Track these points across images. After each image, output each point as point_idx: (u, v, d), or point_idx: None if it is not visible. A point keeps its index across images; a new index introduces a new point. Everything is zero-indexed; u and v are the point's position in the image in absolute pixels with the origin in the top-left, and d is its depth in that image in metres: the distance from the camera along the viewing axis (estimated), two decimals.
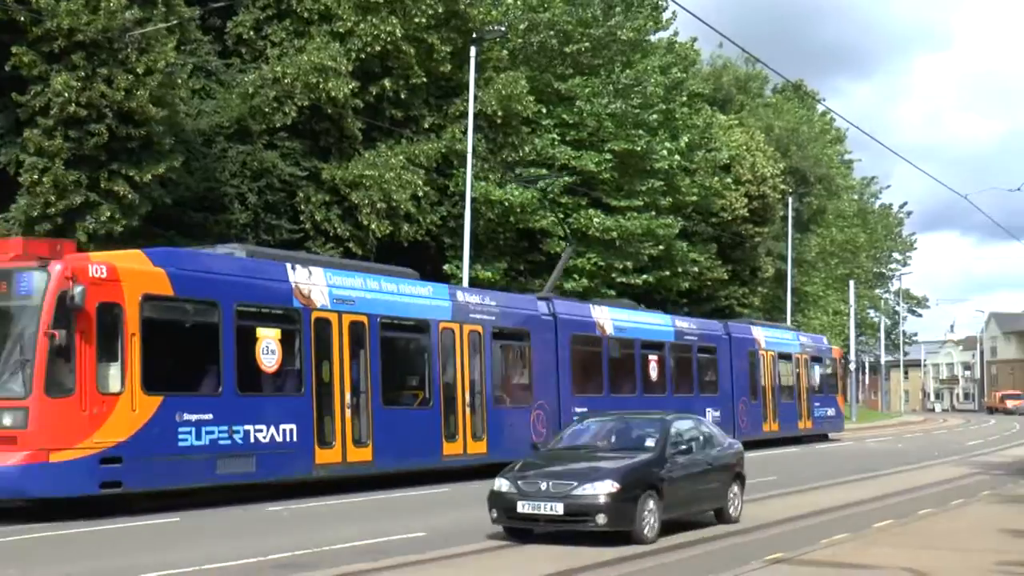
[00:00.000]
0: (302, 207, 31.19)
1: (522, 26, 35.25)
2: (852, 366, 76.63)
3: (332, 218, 31.20)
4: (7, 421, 14.94)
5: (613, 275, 35.37)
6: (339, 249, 31.55)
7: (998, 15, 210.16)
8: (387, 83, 31.44)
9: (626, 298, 33.90)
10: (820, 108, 69.54)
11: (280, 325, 18.64)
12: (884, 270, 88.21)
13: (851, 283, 70.21)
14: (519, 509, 13.02)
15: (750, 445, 30.16)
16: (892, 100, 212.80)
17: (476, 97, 31.80)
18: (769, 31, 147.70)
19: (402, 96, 31.95)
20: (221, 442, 17.13)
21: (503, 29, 33.20)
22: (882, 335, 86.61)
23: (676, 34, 43.49)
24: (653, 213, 36.42)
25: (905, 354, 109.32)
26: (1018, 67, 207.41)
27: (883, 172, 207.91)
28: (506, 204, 33.03)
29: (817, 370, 41.31)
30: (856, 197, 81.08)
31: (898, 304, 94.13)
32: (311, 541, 12.96)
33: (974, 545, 13.37)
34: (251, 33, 31.27)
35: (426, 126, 33.13)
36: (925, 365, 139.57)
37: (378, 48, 30.69)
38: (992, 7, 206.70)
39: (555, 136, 35.07)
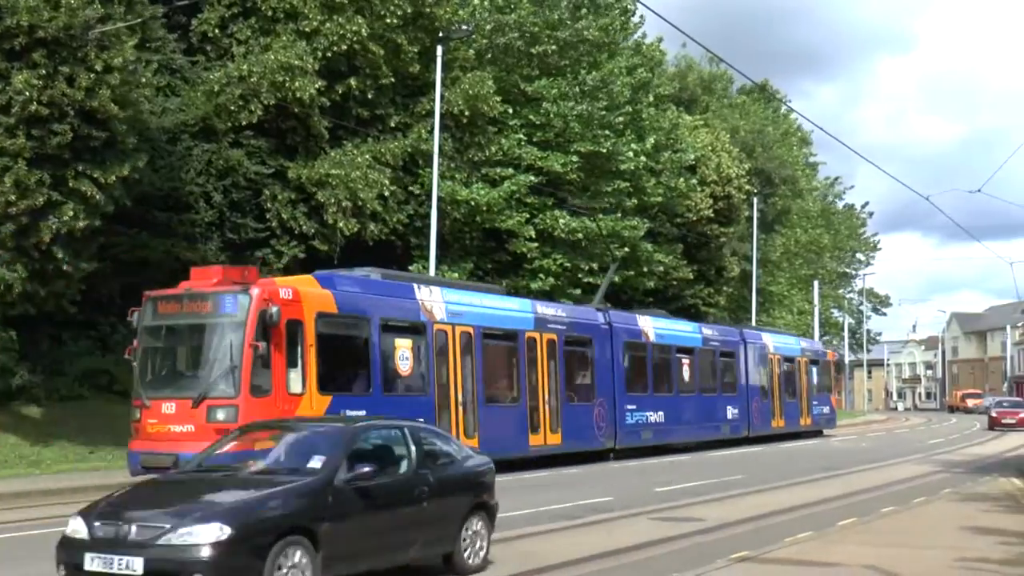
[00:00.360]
0: (268, 205, 31.06)
1: (488, 27, 35.27)
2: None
3: (298, 216, 31.09)
4: (221, 416, 17.90)
5: (579, 275, 35.44)
6: (304, 248, 31.48)
7: (960, 18, 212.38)
8: (353, 82, 31.37)
9: (592, 296, 35.37)
10: (785, 109, 70.04)
11: (411, 336, 22.01)
12: (848, 270, 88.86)
13: (815, 283, 70.71)
14: (86, 566, 9.01)
15: (759, 440, 37.83)
16: (856, 102, 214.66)
17: (442, 97, 31.78)
18: (733, 33, 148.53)
19: (369, 95, 31.88)
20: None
21: (470, 29, 33.20)
22: (846, 335, 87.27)
23: (644, 36, 43.67)
24: (619, 214, 36.50)
25: (868, 352, 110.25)
26: (979, 70, 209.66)
27: (847, 173, 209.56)
28: (472, 204, 33.02)
29: (815, 372, 45.14)
30: (820, 198, 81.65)
31: (862, 304, 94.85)
32: None
33: (935, 542, 13.53)
34: (216, 31, 31.09)
35: (392, 125, 33.08)
36: (888, 365, 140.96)
37: (344, 47, 30.60)
38: (954, 11, 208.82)
39: (521, 136, 35.09)
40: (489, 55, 35.91)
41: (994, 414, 59.10)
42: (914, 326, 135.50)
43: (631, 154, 36.64)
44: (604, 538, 13.76)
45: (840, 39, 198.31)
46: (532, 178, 34.28)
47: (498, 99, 33.99)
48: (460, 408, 22.95)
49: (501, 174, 34.16)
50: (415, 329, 22.27)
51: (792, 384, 42.57)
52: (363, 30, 30.49)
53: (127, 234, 27.64)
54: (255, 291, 18.69)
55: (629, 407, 29.97)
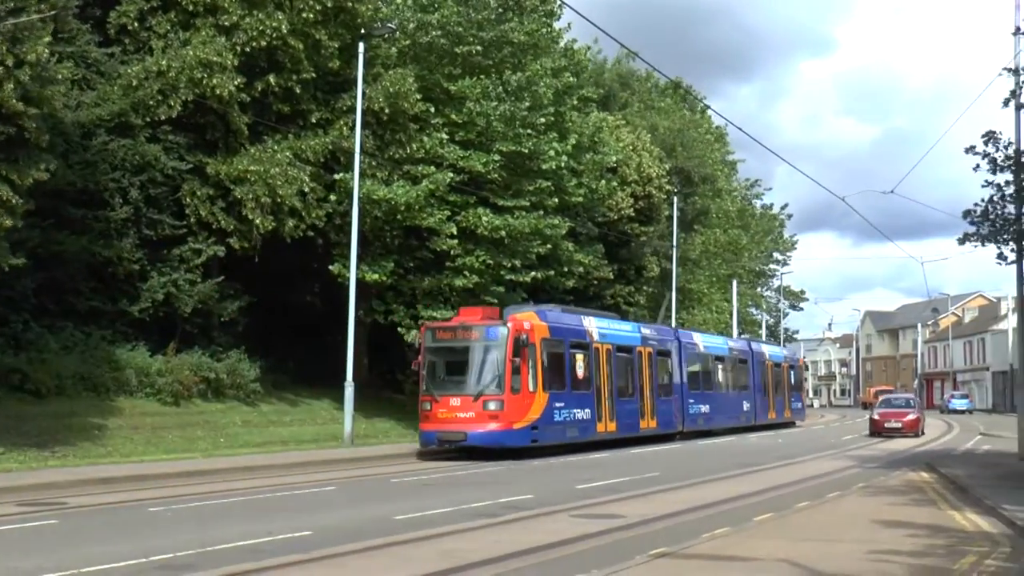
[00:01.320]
0: (186, 201, 30.69)
1: (412, 25, 35.12)
2: None
3: (216, 212, 30.74)
4: (492, 407, 27.87)
5: (502, 272, 35.46)
6: (223, 245, 31.13)
7: (878, 23, 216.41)
8: (273, 79, 31.10)
9: (515, 293, 37.28)
10: (703, 108, 70.61)
11: (583, 352, 31.97)
12: (765, 268, 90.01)
13: (734, 282, 71.57)
14: None
15: (759, 428, 49.09)
16: (774, 103, 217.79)
17: (364, 94, 31.61)
18: (653, 33, 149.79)
19: (294, 90, 31.63)
20: (568, 419, 30.62)
21: (392, 26, 33.05)
22: (763, 333, 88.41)
23: (574, 41, 43.78)
24: (541, 213, 36.56)
25: (783, 347, 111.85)
26: (895, 73, 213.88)
27: (765, 173, 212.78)
28: (392, 202, 32.87)
29: (792, 374, 57.56)
30: (739, 198, 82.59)
31: (779, 302, 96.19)
32: (195, 541, 12.76)
33: (848, 536, 13.81)
34: (135, 24, 30.64)
35: (313, 121, 32.85)
36: (804, 362, 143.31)
37: (264, 43, 30.33)
38: (873, 15, 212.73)
39: (443, 135, 34.99)
40: (412, 53, 35.75)
41: (876, 416, 44.98)
42: (830, 324, 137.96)
43: (553, 154, 36.70)
44: (523, 535, 13.81)
45: (760, 40, 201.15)
46: (452, 175, 34.19)
47: (419, 97, 33.90)
48: (606, 400, 33.19)
49: (422, 172, 34.03)
50: (584, 347, 32.16)
51: (780, 384, 54.09)
52: (283, 25, 30.25)
53: (40, 227, 27.08)
54: (510, 325, 28.63)
55: (690, 401, 41.21)
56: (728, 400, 46.17)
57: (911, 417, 44.49)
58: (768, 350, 54.19)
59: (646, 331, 38.39)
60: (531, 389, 28.69)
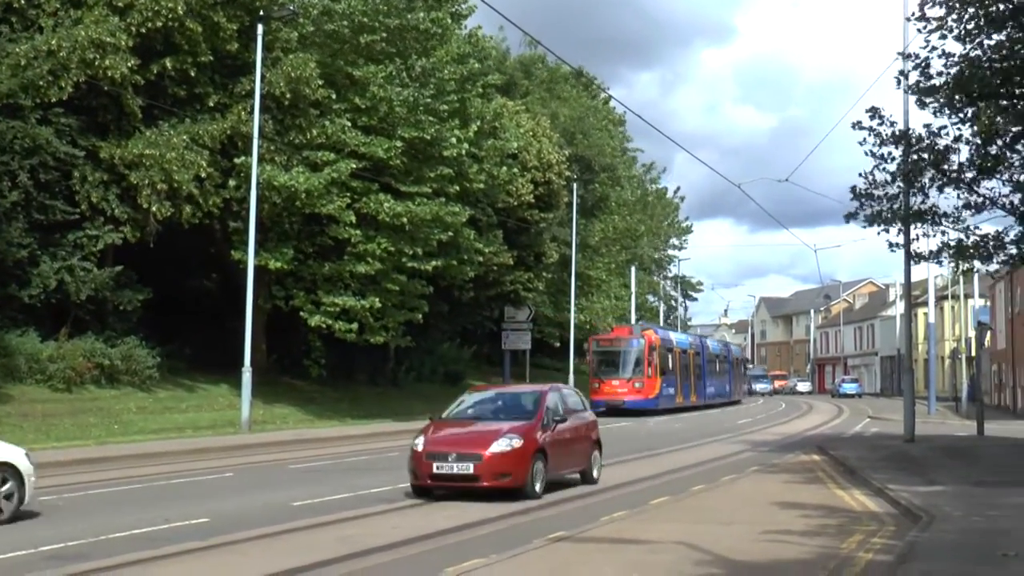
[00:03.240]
0: (76, 188, 30.00)
1: (316, 11, 34.66)
2: None
3: (110, 198, 30.13)
4: (638, 385, 48.94)
5: (403, 259, 35.32)
6: (119, 233, 30.53)
7: (776, 12, 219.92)
8: (169, 62, 30.54)
9: (416, 280, 37.01)
10: (604, 97, 71.09)
11: (670, 354, 53.37)
12: (663, 254, 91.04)
13: (632, 269, 72.31)
14: None
15: (727, 403, 66.92)
16: (674, 90, 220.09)
17: (263, 78, 31.22)
18: (554, 19, 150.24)
19: (187, 74, 31.09)
20: (667, 394, 51.82)
21: (291, 9, 32.61)
22: (661, 319, 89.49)
23: (479, 28, 43.70)
24: (443, 200, 36.47)
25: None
26: (792, 63, 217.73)
27: (665, 160, 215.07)
28: (292, 189, 32.51)
29: (742, 366, 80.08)
30: (638, 185, 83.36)
31: (675, 288, 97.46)
32: (88, 530, 12.54)
33: (742, 517, 14.11)
34: (22, 1, 29.75)
35: (211, 105, 32.34)
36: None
37: (160, 24, 29.76)
38: (771, 5, 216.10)
39: (345, 121, 34.65)
40: (315, 40, 35.27)
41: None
42: (725, 310, 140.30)
43: (454, 140, 36.61)
44: (423, 520, 13.85)
45: (661, 27, 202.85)
46: (354, 164, 33.91)
47: (321, 82, 33.54)
48: (679, 383, 54.73)
49: (323, 158, 33.70)
50: (671, 351, 53.95)
51: (738, 372, 75.19)
52: (179, 7, 29.74)
53: None
54: (644, 337, 50.19)
55: (708, 384, 62.81)
56: (722, 383, 67.89)
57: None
58: (732, 346, 79.74)
59: (691, 338, 64.33)
60: (655, 376, 50.35)
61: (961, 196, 25.69)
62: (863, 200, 26.66)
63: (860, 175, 26.58)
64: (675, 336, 58.87)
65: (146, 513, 14.10)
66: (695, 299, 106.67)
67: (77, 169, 29.92)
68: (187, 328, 36.86)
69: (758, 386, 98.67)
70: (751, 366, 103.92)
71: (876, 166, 26.22)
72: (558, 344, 62.83)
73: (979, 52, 23.32)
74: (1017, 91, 22.98)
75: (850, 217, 27.20)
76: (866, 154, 26.15)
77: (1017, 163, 24.55)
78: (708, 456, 25.82)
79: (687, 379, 56.66)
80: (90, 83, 29.07)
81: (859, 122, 26.03)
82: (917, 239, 29.15)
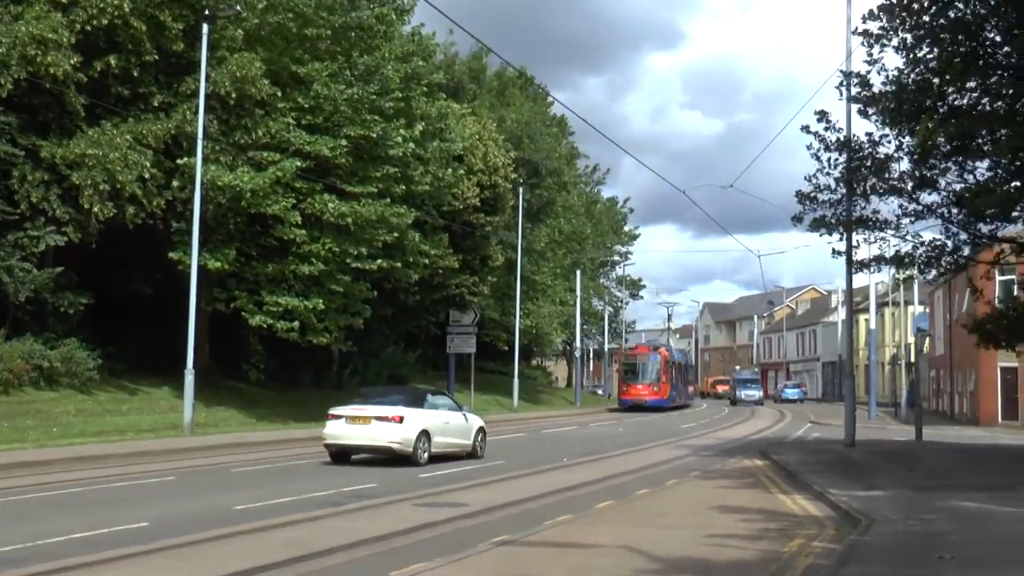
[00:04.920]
0: (17, 187, 29.56)
1: (260, 6, 34.38)
2: (577, 353, 79.32)
3: (51, 199, 29.72)
4: (656, 389, 66.39)
5: (348, 260, 35.13)
6: (60, 234, 30.12)
7: (724, 18, 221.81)
8: (113, 60, 30.18)
9: (360, 283, 36.78)
10: (550, 101, 71.19)
11: (674, 365, 71.71)
12: (608, 259, 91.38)
13: (578, 272, 72.53)
14: None
15: (681, 407, 73.53)
16: (622, 94, 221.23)
17: (208, 77, 30.95)
18: (502, 21, 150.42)
19: (132, 73, 30.73)
20: (674, 395, 71.10)
21: (236, 8, 32.35)
22: (605, 323, 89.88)
23: (422, 25, 43.49)
24: (388, 200, 36.32)
25: (626, 341, 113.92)
26: (740, 69, 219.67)
27: (612, 164, 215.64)
28: (237, 189, 32.23)
29: (689, 371, 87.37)
30: (584, 189, 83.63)
31: (620, 290, 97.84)
32: (26, 535, 12.36)
33: (686, 521, 14.23)
34: None
35: (155, 104, 32.00)
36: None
37: (104, 21, 29.40)
38: (719, 10, 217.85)
39: (290, 120, 34.42)
40: (259, 36, 35.01)
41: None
42: (669, 315, 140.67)
43: (400, 140, 36.48)
44: (368, 524, 13.82)
45: (609, 31, 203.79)
46: (299, 163, 33.68)
47: (266, 81, 33.28)
48: (675, 388, 69.85)
49: (268, 158, 33.45)
50: (674, 363, 71.09)
51: (686, 378, 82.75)
52: (124, 4, 29.40)
53: None
54: (661, 352, 69.37)
55: (682, 387, 75.22)
56: (684, 388, 78.79)
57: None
58: (680, 352, 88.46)
59: (677, 351, 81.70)
60: (669, 383, 67.25)
61: (902, 205, 26.11)
62: (807, 204, 27.04)
63: (806, 178, 26.98)
64: (674, 350, 79.42)
65: (86, 517, 13.93)
66: (641, 297, 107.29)
67: (17, 168, 29.47)
68: (129, 329, 36.43)
69: (744, 393, 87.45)
70: (737, 368, 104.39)
71: (820, 170, 26.60)
72: (505, 348, 62.89)
73: (918, 67, 23.67)
74: (952, 105, 23.32)
75: (796, 220, 27.60)
76: (812, 157, 26.53)
77: (954, 173, 24.96)
78: (652, 460, 25.99)
79: (679, 384, 73.40)
80: (31, 80, 28.65)
81: (807, 126, 26.36)
82: (859, 245, 29.62)
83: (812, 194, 26.96)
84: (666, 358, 68.35)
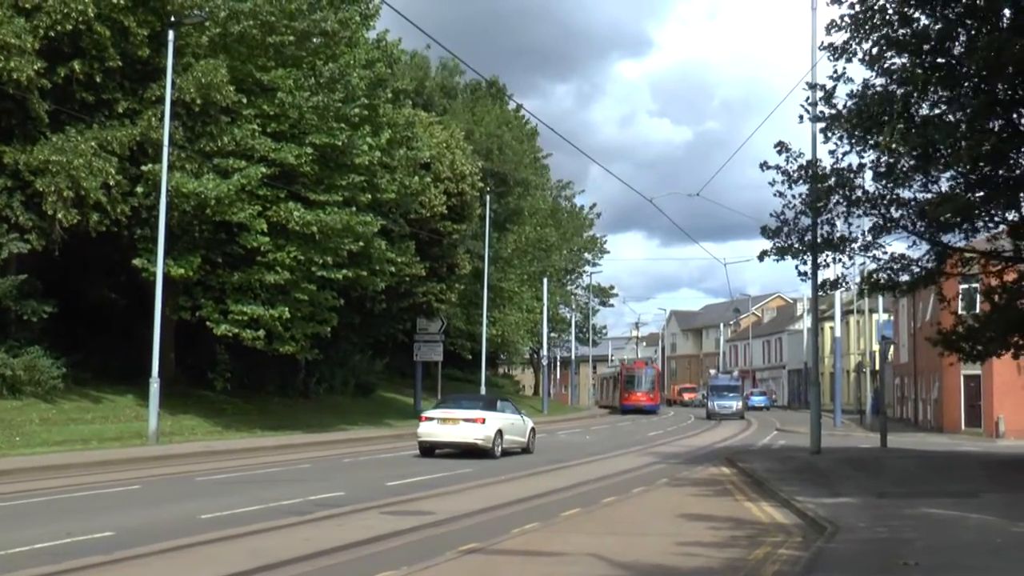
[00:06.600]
0: None
1: (223, 14, 34.22)
2: (544, 361, 79.37)
3: (14, 205, 29.44)
4: (651, 395, 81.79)
5: (313, 269, 34.98)
6: (24, 242, 29.83)
7: (692, 26, 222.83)
8: (77, 65, 29.95)
9: (326, 291, 36.42)
10: (515, 107, 71.17)
11: (660, 375, 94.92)
12: (575, 267, 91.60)
13: (545, 280, 72.60)
14: None
15: (651, 412, 79.99)
16: (590, 102, 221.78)
17: (174, 84, 30.78)
18: (470, 29, 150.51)
19: (96, 79, 30.49)
20: (661, 401, 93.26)
21: (202, 15, 32.21)
22: (572, 330, 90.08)
23: (387, 31, 43.38)
24: (354, 209, 36.20)
25: (594, 347, 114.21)
26: (708, 77, 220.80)
27: (580, 172, 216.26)
28: (201, 196, 32.03)
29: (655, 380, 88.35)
30: (550, 196, 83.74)
31: (588, 298, 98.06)
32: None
33: (653, 529, 14.26)
34: None
35: (120, 111, 31.75)
36: (612, 360, 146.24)
37: (69, 27, 29.17)
38: (687, 18, 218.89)
39: (255, 127, 34.25)
40: (223, 43, 34.84)
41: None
42: (637, 323, 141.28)
43: (366, 148, 36.36)
44: (334, 532, 13.76)
45: (577, 39, 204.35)
46: (264, 170, 33.51)
47: (232, 88, 33.11)
48: (658, 395, 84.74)
49: (233, 165, 33.27)
50: (661, 373, 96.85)
51: (657, 386, 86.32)
52: (89, 9, 29.16)
53: None
54: (654, 367, 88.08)
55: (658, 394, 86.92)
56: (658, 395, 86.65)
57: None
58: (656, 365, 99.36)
59: (652, 362, 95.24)
60: (656, 390, 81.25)
61: (868, 218, 26.25)
62: (774, 238, 27.11)
63: (771, 215, 27.08)
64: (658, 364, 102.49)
65: (49, 527, 13.79)
66: (611, 305, 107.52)
67: None
68: (93, 338, 36.10)
69: (718, 403, 71.08)
70: (713, 372, 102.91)
71: (785, 205, 26.68)
72: (470, 356, 62.84)
73: (882, 77, 23.86)
74: (915, 115, 23.52)
75: (764, 255, 27.54)
76: (775, 195, 26.59)
77: (918, 184, 25.16)
78: (619, 468, 26.02)
79: (655, 391, 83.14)
80: None
81: (765, 162, 26.43)
82: (827, 265, 29.66)
83: (778, 228, 27.04)
84: (657, 371, 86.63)
